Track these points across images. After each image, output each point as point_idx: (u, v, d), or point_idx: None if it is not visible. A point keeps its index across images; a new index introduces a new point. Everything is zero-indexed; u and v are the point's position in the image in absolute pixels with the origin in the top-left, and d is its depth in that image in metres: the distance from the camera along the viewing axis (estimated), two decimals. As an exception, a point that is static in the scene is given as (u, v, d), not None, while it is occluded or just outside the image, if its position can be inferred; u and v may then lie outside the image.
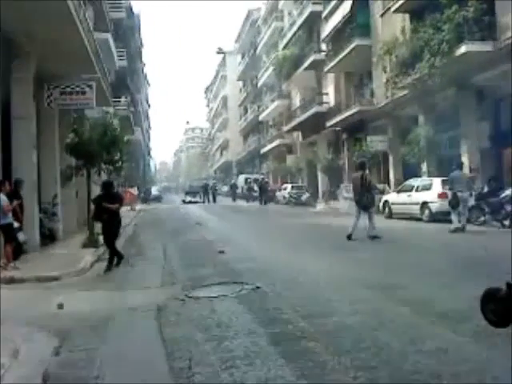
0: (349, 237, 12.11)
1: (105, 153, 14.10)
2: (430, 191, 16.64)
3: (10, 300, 7.44)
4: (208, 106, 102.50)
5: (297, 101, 42.04)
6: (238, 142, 69.37)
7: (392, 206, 18.73)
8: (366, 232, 12.30)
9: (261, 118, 53.13)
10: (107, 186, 10.56)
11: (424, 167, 21.72)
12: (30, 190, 12.63)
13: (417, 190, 17.43)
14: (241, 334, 4.98)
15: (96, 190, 19.43)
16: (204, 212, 27.62)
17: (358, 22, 27.24)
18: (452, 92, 19.47)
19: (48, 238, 14.08)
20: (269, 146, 49.38)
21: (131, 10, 44.04)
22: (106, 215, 10.02)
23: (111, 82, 24.36)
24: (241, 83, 68.38)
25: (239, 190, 44.81)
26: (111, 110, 17.42)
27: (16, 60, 12.40)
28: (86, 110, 16.95)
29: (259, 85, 53.46)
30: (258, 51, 54.07)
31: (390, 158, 25.81)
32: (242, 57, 64.52)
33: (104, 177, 23.69)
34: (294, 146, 43.17)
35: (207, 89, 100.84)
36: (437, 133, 20.79)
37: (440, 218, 16.10)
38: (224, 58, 75.06)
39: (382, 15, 25.67)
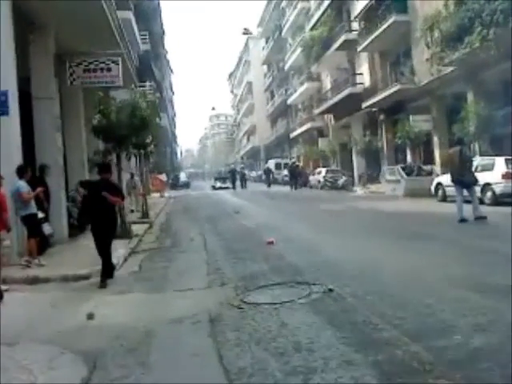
0: (462, 220, 11.15)
1: (134, 136, 12.88)
2: (493, 172, 14.97)
3: (32, 307, 6.30)
4: (232, 92, 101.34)
5: (327, 83, 40.36)
6: (266, 127, 67.99)
7: (446, 189, 17.08)
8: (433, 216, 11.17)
9: (289, 101, 51.51)
10: (104, 170, 7.79)
11: (476, 146, 20.16)
12: (57, 176, 11.55)
13: (476, 171, 15.75)
14: (333, 364, 3.64)
15: (125, 178, 18.38)
16: (237, 198, 26.33)
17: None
18: (506, 65, 17.87)
19: (76, 228, 12.96)
20: (299, 130, 47.84)
21: (151, -9, 42.65)
22: (94, 212, 7.50)
23: (136, 66, 23.21)
24: (265, 68, 66.91)
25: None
26: (139, 90, 16.10)
27: (33, 34, 11.23)
28: (112, 90, 15.74)
29: (286, 68, 51.75)
30: (283, 34, 52.30)
31: (435, 139, 24.19)
32: (266, 41, 62.80)
33: (133, 162, 22.71)
34: (326, 129, 41.54)
35: (231, 75, 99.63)
36: (490, 110, 19.12)
37: (504, 200, 14.54)
38: (247, 44, 73.87)
39: (420, -11, 24.12)
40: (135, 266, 8.66)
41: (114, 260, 9.00)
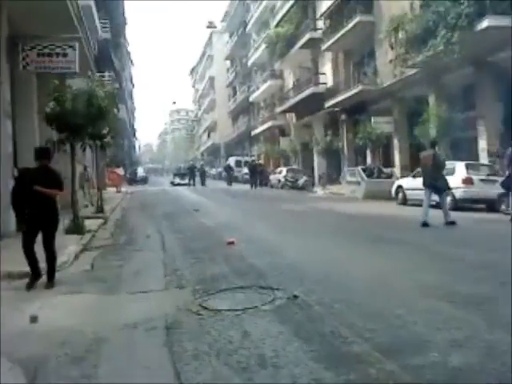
0: (425, 224, 10.98)
1: (90, 126, 12.24)
2: (453, 176, 14.99)
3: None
4: (194, 86, 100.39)
5: (290, 81, 40.26)
6: (227, 123, 67.44)
7: (407, 192, 17.16)
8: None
9: (251, 98, 51.14)
10: (42, 155, 6.84)
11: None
12: (5, 165, 10.86)
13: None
14: (302, 381, 3.32)
15: (79, 170, 17.64)
16: (196, 195, 25.83)
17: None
18: (468, 70, 18.05)
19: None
20: (260, 128, 47.59)
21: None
22: (29, 206, 6.63)
23: (94, 55, 22.38)
24: (228, 63, 66.36)
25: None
26: (96, 77, 15.39)
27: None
28: (68, 78, 15.03)
29: (249, 64, 51.35)
30: (247, 29, 51.98)
31: (395, 141, 24.37)
32: (230, 35, 62.24)
33: (89, 155, 21.89)
34: (288, 128, 41.45)
35: (193, 69, 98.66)
36: (451, 114, 19.29)
37: (464, 205, 14.63)
38: (210, 38, 73.21)
39: (387, -10, 24.17)
40: (87, 264, 8.14)
41: (64, 257, 8.52)
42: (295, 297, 5.36)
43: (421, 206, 16.14)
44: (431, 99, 20.59)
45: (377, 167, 22.65)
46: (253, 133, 50.74)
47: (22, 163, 13.29)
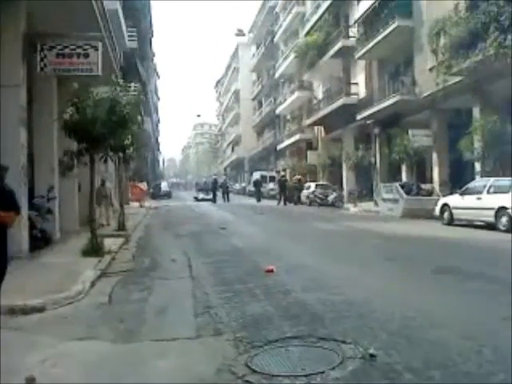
0: None
1: (112, 136, 11.10)
2: (510, 194, 13.57)
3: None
4: (218, 100, 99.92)
5: (319, 92, 38.88)
6: (251, 137, 66.46)
7: (454, 211, 15.72)
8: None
9: (278, 111, 49.87)
10: None
11: (478, 166, 18.80)
12: (17, 179, 9.73)
13: (489, 193, 14.37)
14: None
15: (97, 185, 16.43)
16: (222, 212, 24.63)
17: (399, 1, 24.04)
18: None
19: (41, 240, 11.21)
20: (286, 142, 46.29)
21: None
22: None
23: (120, 64, 21.46)
24: (254, 75, 65.42)
25: (250, 188, 40.83)
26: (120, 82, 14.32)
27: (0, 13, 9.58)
28: (92, 87, 13.97)
29: (276, 76, 50.02)
30: (275, 40, 50.81)
31: (434, 156, 22.83)
32: (257, 47, 61.07)
33: (111, 167, 20.83)
34: (316, 142, 40.08)
35: (218, 82, 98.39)
36: (502, 125, 17.70)
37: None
38: (236, 50, 72.50)
39: (427, -7, 22.73)
40: (104, 294, 6.96)
41: (79, 286, 7.37)
42: (372, 356, 4.06)
43: (470, 226, 14.86)
44: (475, 110, 19.12)
45: (415, 184, 21.20)
46: (278, 147, 49.53)
47: (39, 178, 12.31)
